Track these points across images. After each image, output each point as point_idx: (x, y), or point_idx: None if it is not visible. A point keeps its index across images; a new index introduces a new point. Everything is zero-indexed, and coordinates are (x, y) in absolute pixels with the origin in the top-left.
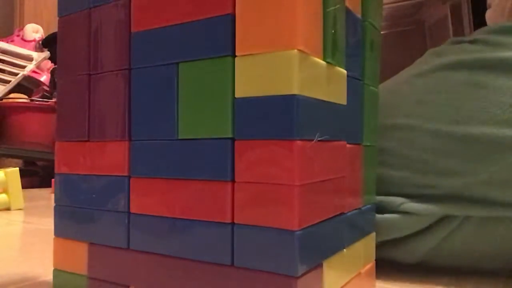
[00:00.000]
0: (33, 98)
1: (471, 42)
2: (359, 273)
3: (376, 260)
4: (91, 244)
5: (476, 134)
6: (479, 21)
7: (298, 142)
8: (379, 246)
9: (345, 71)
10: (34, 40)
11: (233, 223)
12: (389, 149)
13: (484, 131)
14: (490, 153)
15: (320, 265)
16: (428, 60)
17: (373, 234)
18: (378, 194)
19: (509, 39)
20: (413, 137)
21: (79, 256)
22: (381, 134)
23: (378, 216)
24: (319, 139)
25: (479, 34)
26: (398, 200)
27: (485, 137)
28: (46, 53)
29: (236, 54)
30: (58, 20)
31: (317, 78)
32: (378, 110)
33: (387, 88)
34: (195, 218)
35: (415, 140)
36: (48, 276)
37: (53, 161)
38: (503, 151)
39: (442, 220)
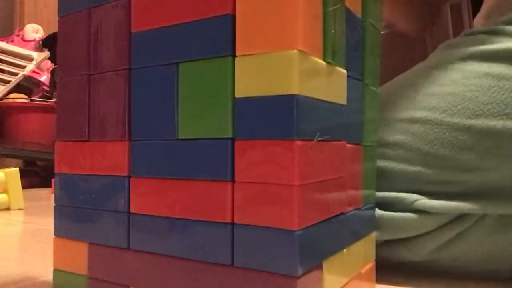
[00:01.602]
0: (33, 98)
1: (487, 32)
2: (359, 273)
3: (376, 259)
4: (91, 244)
5: (497, 128)
6: None
7: (298, 142)
8: (384, 243)
9: (345, 71)
10: (34, 40)
11: (233, 223)
12: (404, 143)
13: (506, 125)
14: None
15: (320, 265)
16: (442, 53)
17: (373, 234)
18: (391, 190)
19: None
20: (429, 131)
21: (79, 256)
22: (395, 127)
23: (389, 214)
24: (319, 139)
25: (494, 24)
26: (412, 196)
27: (507, 131)
28: (46, 53)
29: (236, 54)
30: (58, 20)
31: (317, 78)
32: (378, 109)
33: (401, 82)
34: (195, 218)
35: (431, 134)
36: (48, 276)
37: (53, 161)
38: None
39: (456, 219)
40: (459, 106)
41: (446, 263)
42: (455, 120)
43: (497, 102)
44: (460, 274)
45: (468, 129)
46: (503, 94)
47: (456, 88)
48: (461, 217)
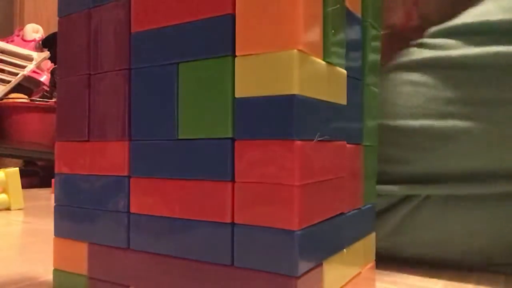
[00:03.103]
0: (33, 98)
1: (416, 45)
2: (359, 273)
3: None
4: (91, 244)
5: (416, 127)
6: None
7: (298, 142)
8: None
9: (345, 71)
10: (34, 40)
11: (233, 223)
12: None
13: (423, 124)
14: (431, 142)
15: (320, 265)
16: (389, 63)
17: (373, 234)
18: None
19: (445, 40)
20: None
21: (79, 256)
22: None
23: None
24: (319, 139)
25: (424, 37)
26: None
27: (424, 129)
28: (46, 53)
29: (236, 54)
30: (58, 20)
31: (317, 78)
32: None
33: None
34: (195, 218)
35: None
36: (48, 276)
37: (53, 161)
38: (443, 139)
39: (400, 202)
40: (385, 109)
41: (403, 249)
42: (383, 121)
43: (415, 106)
44: (423, 261)
45: (392, 129)
46: (419, 98)
47: (390, 95)
48: (405, 200)
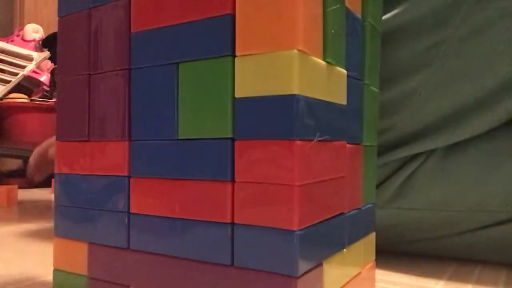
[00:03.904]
0: (33, 98)
1: None
2: (359, 273)
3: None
4: (91, 244)
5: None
6: None
7: (298, 142)
8: None
9: (345, 71)
10: (34, 40)
11: (233, 223)
12: None
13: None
14: (399, 106)
15: (320, 265)
16: None
17: (373, 234)
18: None
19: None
20: None
21: (79, 256)
22: None
23: None
24: (319, 139)
25: None
26: None
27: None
28: (46, 53)
29: (236, 54)
30: (58, 20)
31: (317, 78)
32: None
33: None
34: (195, 218)
35: None
36: (48, 276)
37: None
38: (405, 99)
39: (398, 168)
40: None
41: (405, 214)
42: None
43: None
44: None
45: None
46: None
47: None
48: (403, 166)
